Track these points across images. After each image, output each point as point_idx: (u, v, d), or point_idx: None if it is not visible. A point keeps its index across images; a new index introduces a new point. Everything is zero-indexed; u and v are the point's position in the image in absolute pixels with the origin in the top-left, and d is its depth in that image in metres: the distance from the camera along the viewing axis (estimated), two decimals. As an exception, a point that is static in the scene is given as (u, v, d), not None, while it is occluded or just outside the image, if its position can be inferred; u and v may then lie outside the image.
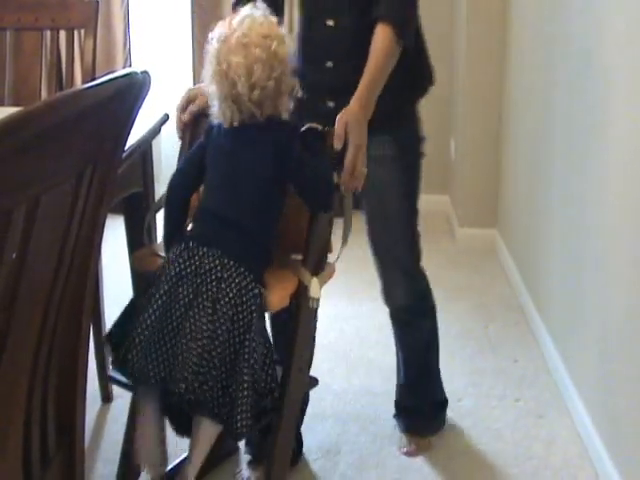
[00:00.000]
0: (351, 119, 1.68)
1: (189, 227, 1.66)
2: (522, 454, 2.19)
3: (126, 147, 1.18)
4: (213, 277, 1.52)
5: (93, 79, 2.33)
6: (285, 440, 1.68)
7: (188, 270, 1.54)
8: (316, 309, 1.69)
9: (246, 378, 1.50)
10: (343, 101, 1.78)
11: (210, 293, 1.52)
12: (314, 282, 1.64)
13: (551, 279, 2.65)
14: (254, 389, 1.52)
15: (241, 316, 1.52)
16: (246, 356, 1.51)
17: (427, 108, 3.88)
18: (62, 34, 2.45)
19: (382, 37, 1.76)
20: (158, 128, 2.05)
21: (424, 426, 2.24)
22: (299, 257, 1.68)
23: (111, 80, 0.96)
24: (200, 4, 3.70)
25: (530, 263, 2.97)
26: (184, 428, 1.68)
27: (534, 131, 2.92)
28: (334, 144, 1.65)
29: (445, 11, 3.83)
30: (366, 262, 3.33)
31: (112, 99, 0.97)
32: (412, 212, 2.04)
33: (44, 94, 2.44)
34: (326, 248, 1.72)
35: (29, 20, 2.37)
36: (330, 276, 1.73)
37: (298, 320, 1.68)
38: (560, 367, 2.47)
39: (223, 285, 1.52)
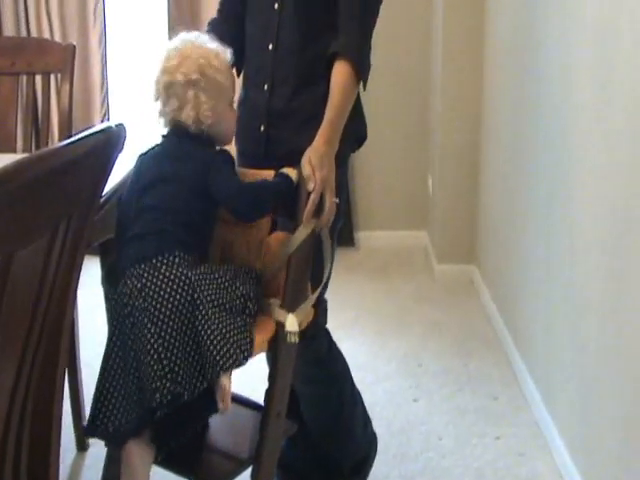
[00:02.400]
0: (314, 156, 1.69)
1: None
2: (503, 493, 2.19)
3: (103, 192, 1.18)
4: (135, 294, 1.53)
5: (70, 123, 2.35)
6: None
7: (118, 309, 1.55)
8: (295, 347, 1.67)
9: (213, 328, 1.51)
10: (273, 126, 1.82)
11: (140, 308, 1.52)
12: (290, 317, 1.63)
13: (530, 316, 2.66)
14: (230, 317, 1.54)
15: (179, 293, 1.53)
16: (203, 312, 1.52)
17: (405, 144, 3.97)
18: (38, 77, 2.46)
19: (341, 73, 1.77)
20: (135, 172, 2.05)
21: None
22: (278, 301, 1.68)
23: (87, 137, 0.97)
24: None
25: (509, 299, 2.98)
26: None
27: (511, 168, 2.95)
28: (307, 187, 1.67)
29: (420, 49, 3.88)
30: (344, 301, 3.35)
31: (88, 156, 0.98)
32: (319, 267, 1.83)
33: (20, 138, 2.44)
34: (304, 288, 1.72)
35: (5, 64, 2.37)
36: (308, 318, 1.72)
37: (277, 364, 1.67)
38: (540, 405, 2.48)
39: (144, 291, 1.53)
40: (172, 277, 1.54)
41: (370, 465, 2.17)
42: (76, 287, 1.22)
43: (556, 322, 2.34)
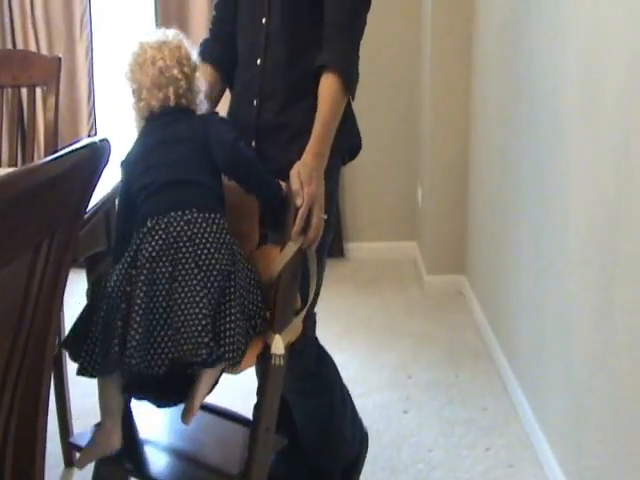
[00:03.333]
0: (303, 170, 1.68)
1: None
2: (494, 506, 2.18)
3: (89, 206, 1.17)
4: (185, 239, 1.52)
5: (55, 136, 2.34)
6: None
7: (157, 248, 1.52)
8: (282, 367, 1.66)
9: (234, 311, 1.51)
10: (264, 140, 1.81)
11: (188, 256, 1.51)
12: (276, 339, 1.62)
13: (519, 326, 2.65)
14: (242, 313, 1.53)
15: (225, 259, 1.52)
16: (232, 289, 1.52)
17: (394, 155, 3.97)
18: (24, 90, 2.44)
19: (329, 85, 1.75)
20: (121, 186, 2.04)
21: None
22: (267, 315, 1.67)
23: (71, 152, 0.96)
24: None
25: (498, 310, 2.98)
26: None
27: (501, 176, 2.95)
28: (295, 201, 1.65)
29: (409, 60, 3.88)
30: (334, 313, 3.34)
31: (72, 171, 0.96)
32: (307, 280, 1.84)
33: (5, 151, 2.43)
34: (291, 307, 1.70)
35: (-11, 78, 2.36)
36: (296, 333, 1.71)
37: (266, 380, 1.66)
38: (530, 415, 2.47)
39: (197, 241, 1.52)
40: (222, 242, 1.54)
41: (362, 463, 2.15)
42: (61, 302, 1.20)
43: (546, 333, 2.34)
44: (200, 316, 1.47)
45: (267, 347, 1.63)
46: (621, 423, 1.78)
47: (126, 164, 1.69)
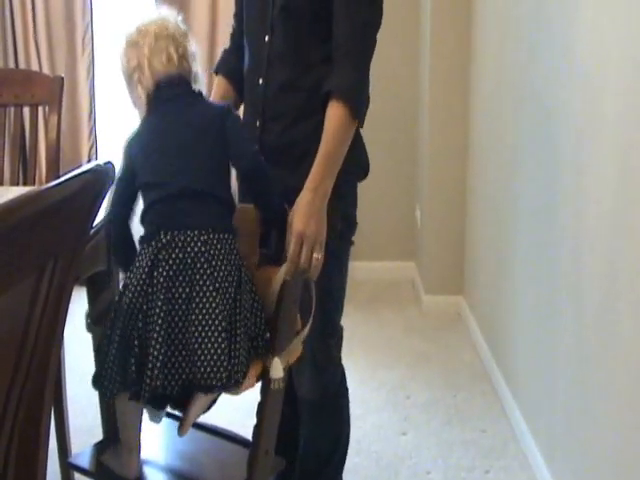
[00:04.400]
0: (300, 207, 1.65)
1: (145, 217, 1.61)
2: (492, 529, 2.17)
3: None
4: (203, 260, 1.52)
5: (57, 155, 2.34)
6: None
7: (174, 267, 1.51)
8: (281, 390, 1.66)
9: (239, 332, 1.51)
10: (269, 162, 1.76)
11: (205, 278, 1.51)
12: (275, 362, 1.61)
13: (518, 347, 2.65)
14: (246, 334, 1.54)
15: (235, 280, 1.54)
16: (238, 310, 1.53)
17: (393, 175, 3.98)
18: (26, 109, 2.46)
19: (335, 116, 1.68)
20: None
21: None
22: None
23: (75, 177, 0.96)
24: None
25: (496, 331, 2.98)
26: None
27: (499, 198, 2.96)
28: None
29: (408, 81, 3.90)
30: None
31: (75, 196, 0.97)
32: (328, 297, 1.82)
33: (7, 170, 2.43)
34: (292, 329, 1.70)
35: (-8, 97, 2.37)
36: (296, 355, 1.71)
37: (265, 401, 1.66)
38: (528, 437, 2.47)
39: (214, 263, 1.52)
40: (233, 264, 1.54)
41: None
42: (63, 324, 1.20)
43: (544, 353, 2.34)
44: (220, 339, 1.47)
45: (266, 369, 1.63)
46: (621, 446, 1.78)
47: (130, 146, 1.64)
